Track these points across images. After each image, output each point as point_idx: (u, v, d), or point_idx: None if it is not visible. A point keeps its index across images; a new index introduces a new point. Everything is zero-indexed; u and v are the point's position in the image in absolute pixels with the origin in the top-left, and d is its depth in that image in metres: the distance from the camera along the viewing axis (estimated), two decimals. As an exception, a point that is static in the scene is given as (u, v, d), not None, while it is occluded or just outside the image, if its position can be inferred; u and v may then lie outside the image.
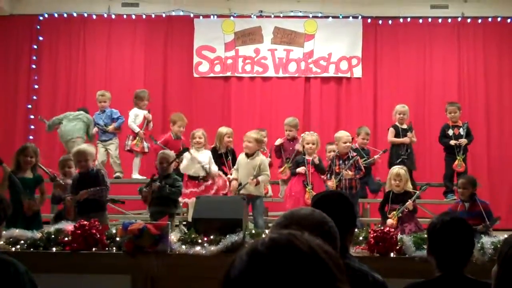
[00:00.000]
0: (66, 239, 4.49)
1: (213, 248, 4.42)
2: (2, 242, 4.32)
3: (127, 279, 4.34)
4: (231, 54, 10.21)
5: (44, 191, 6.21)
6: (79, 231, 4.44)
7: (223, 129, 7.55)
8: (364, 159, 7.59)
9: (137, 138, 8.60)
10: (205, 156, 7.02)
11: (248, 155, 6.76)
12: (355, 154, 7.20)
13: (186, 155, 6.93)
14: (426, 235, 2.73)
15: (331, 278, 1.09)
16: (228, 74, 10.17)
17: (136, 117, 8.68)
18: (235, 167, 6.93)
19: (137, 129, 8.59)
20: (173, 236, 4.51)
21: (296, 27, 10.18)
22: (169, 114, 9.77)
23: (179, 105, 10.07)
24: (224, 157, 7.41)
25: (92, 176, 5.87)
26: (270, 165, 7.45)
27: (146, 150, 8.61)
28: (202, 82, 10.18)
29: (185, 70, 10.24)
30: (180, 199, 6.53)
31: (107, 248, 4.48)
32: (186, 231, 4.64)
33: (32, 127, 10.07)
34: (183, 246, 4.45)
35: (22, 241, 4.50)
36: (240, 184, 6.64)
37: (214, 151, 7.33)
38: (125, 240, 4.36)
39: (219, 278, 1.15)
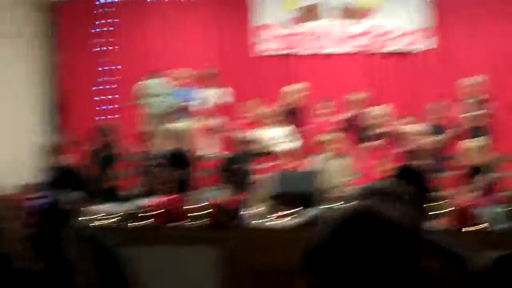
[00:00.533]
0: (152, 213, 4.64)
1: (291, 221, 4.47)
2: (90, 217, 4.49)
3: (211, 251, 4.44)
4: (290, 31, 10.10)
5: (125, 166, 6.41)
6: (163, 206, 4.60)
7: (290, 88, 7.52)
8: None
9: (201, 116, 8.74)
10: (276, 133, 7.10)
11: None
12: None
13: (258, 132, 7.03)
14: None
15: (411, 249, 1.11)
16: (288, 51, 10.05)
17: (203, 96, 8.84)
18: None
19: (201, 107, 8.73)
20: (251, 210, 4.59)
21: (358, 1, 9.96)
22: (239, 90, 9.87)
23: (237, 85, 10.07)
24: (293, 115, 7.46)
25: (184, 155, 6.03)
26: None
27: (210, 127, 8.75)
28: (260, 61, 10.10)
29: (242, 49, 10.18)
30: (257, 174, 6.63)
31: (190, 222, 4.60)
32: (265, 205, 4.70)
33: (109, 106, 10.38)
34: (262, 220, 4.53)
35: (108, 216, 4.68)
36: None
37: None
38: (205, 214, 4.47)
39: (303, 248, 1.17)
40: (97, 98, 10.22)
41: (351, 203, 1.24)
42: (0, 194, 1.83)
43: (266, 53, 10.02)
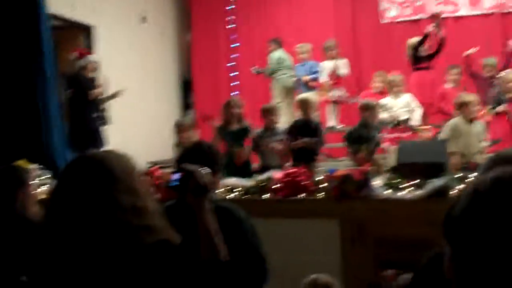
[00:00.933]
0: (276, 186, 4.70)
1: (417, 192, 4.36)
2: (220, 191, 4.64)
3: (335, 223, 4.43)
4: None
5: (250, 141, 6.54)
6: (288, 179, 4.63)
7: None
8: None
9: (325, 88, 8.71)
10: (401, 102, 6.92)
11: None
12: None
13: (388, 101, 6.90)
14: None
15: None
16: (418, 16, 9.74)
17: (325, 69, 8.80)
18: None
19: (323, 80, 8.71)
20: (378, 181, 4.52)
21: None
22: (360, 63, 9.73)
23: (369, 53, 9.94)
24: None
25: (312, 126, 6.09)
26: None
27: (333, 99, 8.71)
28: (390, 28, 9.90)
29: (373, 17, 10.04)
30: (384, 144, 6.54)
31: (314, 194, 4.60)
32: (391, 176, 4.61)
33: (236, 83, 10.63)
34: (387, 191, 4.45)
35: (237, 189, 4.82)
36: None
37: None
38: (331, 186, 4.46)
39: (444, 217, 1.13)
40: (230, 74, 10.56)
41: (489, 171, 1.16)
42: (137, 170, 1.92)
43: (397, 20, 9.80)
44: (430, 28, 8.13)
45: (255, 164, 6.44)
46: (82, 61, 7.53)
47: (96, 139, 7.21)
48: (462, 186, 4.18)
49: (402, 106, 6.95)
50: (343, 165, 6.30)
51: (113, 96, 7.73)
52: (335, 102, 8.81)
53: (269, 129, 6.23)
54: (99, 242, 1.71)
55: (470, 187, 1.11)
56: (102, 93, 7.64)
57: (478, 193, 1.07)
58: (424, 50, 8.14)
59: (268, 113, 6.28)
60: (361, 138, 6.38)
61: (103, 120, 7.62)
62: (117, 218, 1.74)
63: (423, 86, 8.06)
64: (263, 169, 5.77)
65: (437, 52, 8.12)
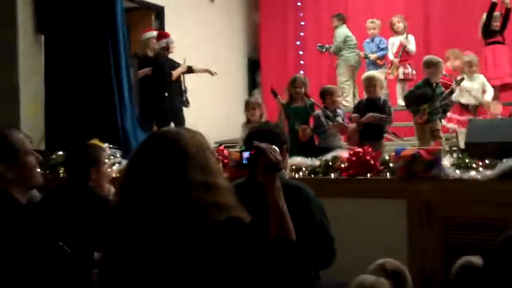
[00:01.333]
0: (342, 165, 4.67)
1: (488, 172, 4.22)
2: (287, 170, 4.66)
3: (403, 203, 4.36)
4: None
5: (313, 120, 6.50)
6: (354, 158, 4.58)
7: None
8: None
9: (392, 66, 8.56)
10: (477, 84, 6.74)
11: None
12: None
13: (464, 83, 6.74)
14: None
15: None
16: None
17: (392, 45, 8.63)
18: None
19: (391, 57, 8.56)
20: (447, 161, 4.42)
21: None
22: (431, 38, 9.47)
23: (442, 27, 9.67)
24: None
25: (378, 104, 6.02)
26: None
27: (401, 76, 8.54)
28: (462, 2, 9.57)
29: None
30: (451, 125, 6.40)
31: (381, 174, 4.55)
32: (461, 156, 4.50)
33: (302, 62, 10.59)
34: (457, 171, 4.33)
35: (304, 168, 4.81)
36: None
37: None
38: (398, 165, 4.40)
39: None
40: (298, 53, 10.52)
41: None
42: (210, 147, 1.95)
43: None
44: None
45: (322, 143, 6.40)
46: (164, 42, 7.61)
47: (179, 119, 7.32)
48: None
49: (477, 87, 6.76)
50: (411, 145, 6.20)
51: (194, 70, 7.79)
52: (404, 80, 8.64)
53: (330, 110, 6.18)
54: (171, 218, 1.75)
55: None
56: (190, 68, 7.74)
57: None
58: (496, 25, 7.86)
59: (327, 94, 6.23)
60: (425, 96, 6.23)
61: (184, 101, 7.73)
62: (189, 194, 1.77)
63: (499, 59, 7.82)
64: (324, 149, 5.75)
65: (505, 24, 7.83)
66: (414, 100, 6.28)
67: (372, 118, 5.92)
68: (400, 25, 8.61)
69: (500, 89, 7.90)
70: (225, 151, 5.00)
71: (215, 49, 9.71)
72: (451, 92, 6.37)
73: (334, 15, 9.23)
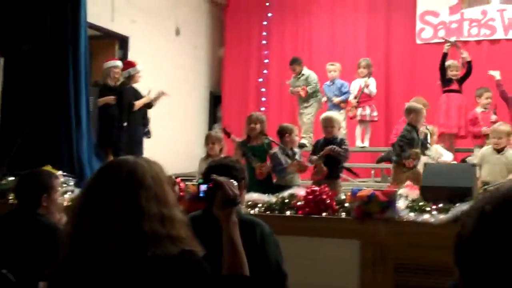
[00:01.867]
0: (298, 203, 4.67)
1: (441, 216, 4.27)
2: (243, 206, 4.64)
3: (356, 244, 4.38)
4: (456, 18, 9.70)
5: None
6: (311, 196, 4.61)
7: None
8: None
9: (351, 107, 8.71)
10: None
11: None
12: None
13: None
14: None
15: None
16: (453, 39, 9.70)
17: (354, 88, 8.81)
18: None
19: (351, 98, 8.71)
20: (402, 203, 4.48)
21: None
22: (392, 82, 9.71)
23: (401, 73, 9.93)
24: None
25: (335, 143, 6.10)
26: None
27: (359, 118, 8.70)
28: (425, 49, 9.86)
29: (408, 37, 10.03)
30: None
31: (337, 213, 4.58)
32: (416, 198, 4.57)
33: (263, 99, 10.67)
34: (411, 214, 4.38)
35: (260, 205, 4.80)
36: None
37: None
38: (354, 205, 4.43)
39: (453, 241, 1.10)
40: (262, 89, 10.61)
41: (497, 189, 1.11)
42: (167, 179, 1.93)
43: (431, 41, 9.75)
44: (445, 48, 8.11)
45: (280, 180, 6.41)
46: (130, 71, 7.59)
47: (138, 150, 7.26)
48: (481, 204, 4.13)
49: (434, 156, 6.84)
50: (367, 186, 6.26)
51: (154, 100, 7.77)
52: (363, 121, 8.79)
53: (287, 149, 6.21)
54: (121, 251, 1.71)
55: (475, 208, 1.06)
56: (149, 103, 7.72)
57: (484, 215, 1.02)
58: (453, 74, 8.09)
59: (285, 132, 6.28)
60: (413, 141, 6.34)
61: (147, 132, 7.69)
62: (142, 226, 1.74)
63: (451, 109, 8.01)
64: (281, 187, 5.75)
65: (466, 76, 8.07)
66: (406, 144, 6.35)
67: (329, 150, 6.01)
68: (364, 71, 8.78)
69: (450, 137, 8.05)
70: (182, 184, 4.97)
71: (178, 82, 9.73)
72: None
73: (293, 61, 9.14)
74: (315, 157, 6.14)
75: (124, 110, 7.38)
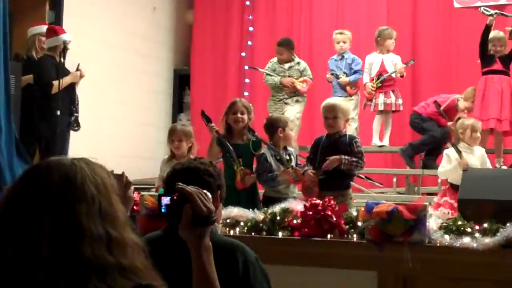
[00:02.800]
0: (294, 222, 4.67)
1: (487, 240, 4.31)
2: (220, 225, 4.64)
3: (372, 277, 4.41)
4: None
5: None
6: (310, 212, 4.60)
7: None
8: None
9: (368, 92, 8.74)
10: (477, 158, 7.01)
11: None
12: None
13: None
14: None
15: None
16: (502, 1, 9.78)
17: (371, 65, 8.82)
18: None
19: (365, 81, 8.74)
20: (433, 223, 4.50)
21: None
22: (421, 59, 9.76)
23: (434, 43, 9.99)
24: None
25: (342, 142, 6.03)
26: None
27: (381, 107, 8.72)
28: (464, 14, 9.94)
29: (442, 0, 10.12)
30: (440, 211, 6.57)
31: (346, 236, 4.59)
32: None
33: (247, 80, 10.67)
34: (446, 236, 4.41)
35: (242, 223, 4.80)
36: None
37: None
38: (369, 225, 4.44)
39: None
40: (245, 67, 10.59)
41: None
42: (116, 188, 1.92)
43: (473, 5, 9.81)
44: (488, 20, 8.19)
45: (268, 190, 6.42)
46: (53, 40, 7.54)
47: (60, 148, 7.20)
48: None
49: (477, 163, 6.86)
50: (388, 198, 6.29)
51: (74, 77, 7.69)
52: (384, 112, 8.82)
53: (278, 149, 6.20)
54: (54, 281, 1.71)
55: None
56: (75, 84, 7.66)
57: None
58: (496, 49, 8.14)
59: (275, 126, 6.26)
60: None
61: (72, 122, 7.61)
62: (82, 251, 1.74)
63: (490, 95, 8.04)
64: (270, 199, 5.74)
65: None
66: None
67: (336, 161, 5.92)
68: (393, 43, 8.83)
69: (488, 133, 8.06)
70: (136, 195, 4.96)
71: (129, 56, 9.70)
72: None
73: (283, 43, 9.07)
74: (310, 170, 6.07)
75: (46, 93, 7.34)
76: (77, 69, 7.71)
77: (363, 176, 6.82)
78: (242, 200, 5.23)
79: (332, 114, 6.07)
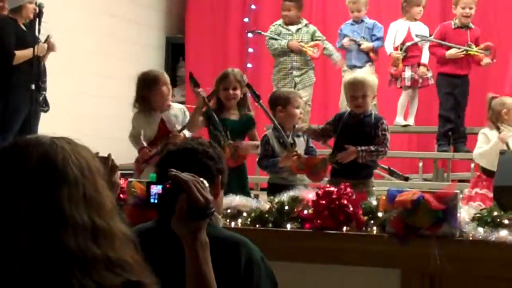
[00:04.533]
0: (305, 212, 4.70)
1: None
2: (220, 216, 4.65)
3: (394, 275, 4.43)
4: None
5: (256, 137, 6.57)
6: (323, 201, 4.62)
7: None
8: None
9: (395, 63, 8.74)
10: None
11: None
12: None
13: None
14: None
15: None
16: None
17: (396, 32, 8.82)
18: None
19: (389, 51, 8.74)
20: (464, 214, 4.51)
21: None
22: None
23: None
24: None
25: (367, 123, 6.02)
26: None
27: (408, 83, 8.72)
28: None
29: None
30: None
31: (364, 228, 4.61)
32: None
33: (251, 50, 10.66)
34: (480, 229, 4.42)
35: (245, 214, 4.81)
36: None
37: None
38: (391, 216, 4.46)
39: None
40: (248, 35, 10.55)
41: None
42: (102, 171, 1.93)
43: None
44: None
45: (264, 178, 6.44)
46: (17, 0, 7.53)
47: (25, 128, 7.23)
48: None
49: None
50: (413, 186, 6.30)
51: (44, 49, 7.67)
52: (412, 87, 8.83)
53: (284, 130, 6.21)
54: (33, 275, 1.72)
55: None
56: (44, 55, 7.64)
57: None
58: None
59: (280, 103, 6.26)
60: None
61: (40, 102, 7.60)
62: (65, 241, 1.75)
63: None
64: (276, 186, 5.74)
65: None
66: None
67: (350, 155, 5.92)
68: (421, 11, 8.84)
69: None
70: (123, 181, 4.98)
71: (113, 22, 9.69)
72: None
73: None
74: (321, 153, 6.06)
75: (7, 64, 7.34)
76: (46, 41, 7.68)
77: (385, 167, 6.79)
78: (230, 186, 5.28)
79: (361, 92, 6.04)
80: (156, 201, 2.26)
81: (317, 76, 9.12)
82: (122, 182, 4.99)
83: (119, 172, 2.79)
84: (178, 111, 6.55)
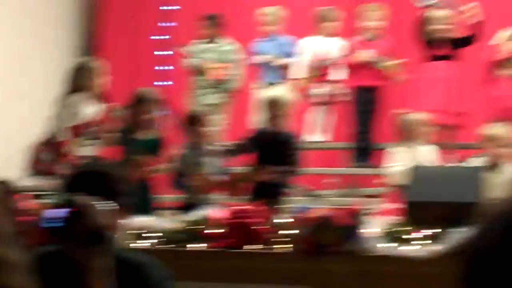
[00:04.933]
0: (215, 231, 4.77)
1: (434, 247, 4.44)
2: (125, 236, 4.65)
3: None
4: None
5: (167, 156, 6.58)
6: (234, 220, 4.70)
7: None
8: None
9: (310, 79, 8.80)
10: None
11: None
12: None
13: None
14: None
15: None
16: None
17: (311, 48, 8.86)
18: None
19: (303, 67, 8.79)
20: (372, 229, 4.57)
21: None
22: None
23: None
24: None
25: (282, 140, 6.05)
26: None
27: (323, 99, 8.79)
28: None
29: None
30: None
31: (275, 246, 4.67)
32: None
33: (166, 67, 10.62)
34: (388, 244, 4.53)
35: (154, 234, 4.84)
36: None
37: None
38: (302, 234, 4.54)
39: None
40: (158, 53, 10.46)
41: None
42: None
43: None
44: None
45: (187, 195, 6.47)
46: None
47: None
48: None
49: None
50: (325, 202, 6.37)
51: None
52: (326, 103, 8.87)
53: (197, 148, 6.27)
54: None
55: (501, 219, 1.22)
56: None
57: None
58: (436, 29, 8.21)
59: (196, 122, 6.33)
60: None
61: None
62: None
63: (436, 85, 8.13)
64: (185, 206, 5.85)
65: (469, 39, 8.15)
66: None
67: (266, 173, 6.00)
68: (330, 21, 8.89)
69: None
70: (27, 202, 4.91)
71: (17, 38, 9.54)
72: None
73: (211, 18, 9.05)
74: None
75: None
76: None
77: (297, 184, 6.88)
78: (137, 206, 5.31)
79: (279, 111, 6.11)
80: (54, 224, 2.25)
81: (233, 93, 9.11)
82: (29, 203, 4.97)
83: (18, 196, 2.75)
84: None
